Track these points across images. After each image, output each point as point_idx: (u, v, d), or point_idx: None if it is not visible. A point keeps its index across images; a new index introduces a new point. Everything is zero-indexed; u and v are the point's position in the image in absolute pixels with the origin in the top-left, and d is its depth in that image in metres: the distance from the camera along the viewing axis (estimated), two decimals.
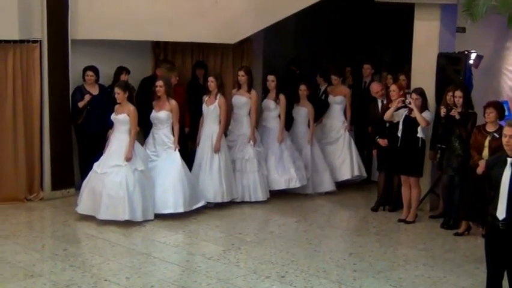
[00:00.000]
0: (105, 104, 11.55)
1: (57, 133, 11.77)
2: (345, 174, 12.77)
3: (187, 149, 12.01)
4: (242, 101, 11.86)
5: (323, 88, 13.29)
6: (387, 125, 11.23)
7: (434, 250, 9.83)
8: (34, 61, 11.51)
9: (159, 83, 11.07)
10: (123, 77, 11.95)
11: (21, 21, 11.26)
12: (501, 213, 6.89)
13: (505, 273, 7.03)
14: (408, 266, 9.16)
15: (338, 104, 12.79)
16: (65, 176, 11.92)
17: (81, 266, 8.86)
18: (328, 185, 12.58)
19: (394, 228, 10.83)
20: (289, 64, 14.14)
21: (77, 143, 12.10)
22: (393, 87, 11.20)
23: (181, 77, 12.85)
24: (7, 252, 9.28)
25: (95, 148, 11.20)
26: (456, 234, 10.39)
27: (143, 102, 11.30)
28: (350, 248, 10.01)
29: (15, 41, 11.31)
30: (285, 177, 12.06)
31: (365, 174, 12.93)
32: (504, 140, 6.97)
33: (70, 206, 11.07)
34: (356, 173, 12.78)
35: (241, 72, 11.91)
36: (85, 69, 11.92)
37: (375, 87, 12.11)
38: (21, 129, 11.51)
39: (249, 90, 11.86)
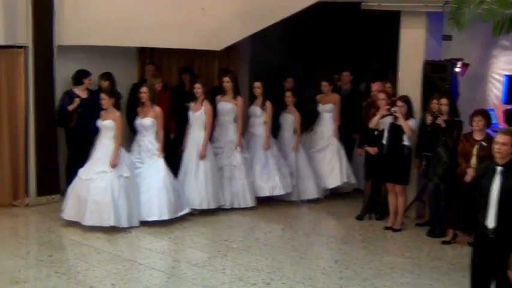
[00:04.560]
0: (95, 108, 11.38)
1: (42, 139, 11.71)
2: (334, 182, 12.70)
3: (173, 155, 11.97)
4: (228, 107, 11.84)
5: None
6: (376, 133, 11.18)
7: (420, 258, 9.84)
8: (19, 67, 11.45)
9: (143, 89, 11.03)
10: (103, 83, 11.89)
11: (6, 27, 11.22)
12: (491, 221, 6.92)
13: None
14: (394, 274, 9.16)
15: (327, 113, 12.69)
16: (50, 181, 11.86)
17: (66, 272, 8.82)
18: (312, 193, 12.50)
19: (380, 236, 10.82)
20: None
21: (66, 146, 12.02)
22: (381, 96, 11.11)
23: (167, 83, 12.84)
24: None
25: (84, 152, 11.02)
26: (444, 242, 10.37)
27: (135, 108, 11.33)
28: (335, 255, 10.00)
29: (0, 47, 11.25)
30: (269, 184, 12.03)
31: (353, 181, 12.82)
32: (495, 146, 6.98)
33: (55, 212, 11.01)
34: (345, 179, 12.69)
35: (226, 79, 11.87)
36: (86, 74, 11.83)
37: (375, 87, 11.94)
38: (6, 135, 11.46)
39: (234, 97, 11.84)
